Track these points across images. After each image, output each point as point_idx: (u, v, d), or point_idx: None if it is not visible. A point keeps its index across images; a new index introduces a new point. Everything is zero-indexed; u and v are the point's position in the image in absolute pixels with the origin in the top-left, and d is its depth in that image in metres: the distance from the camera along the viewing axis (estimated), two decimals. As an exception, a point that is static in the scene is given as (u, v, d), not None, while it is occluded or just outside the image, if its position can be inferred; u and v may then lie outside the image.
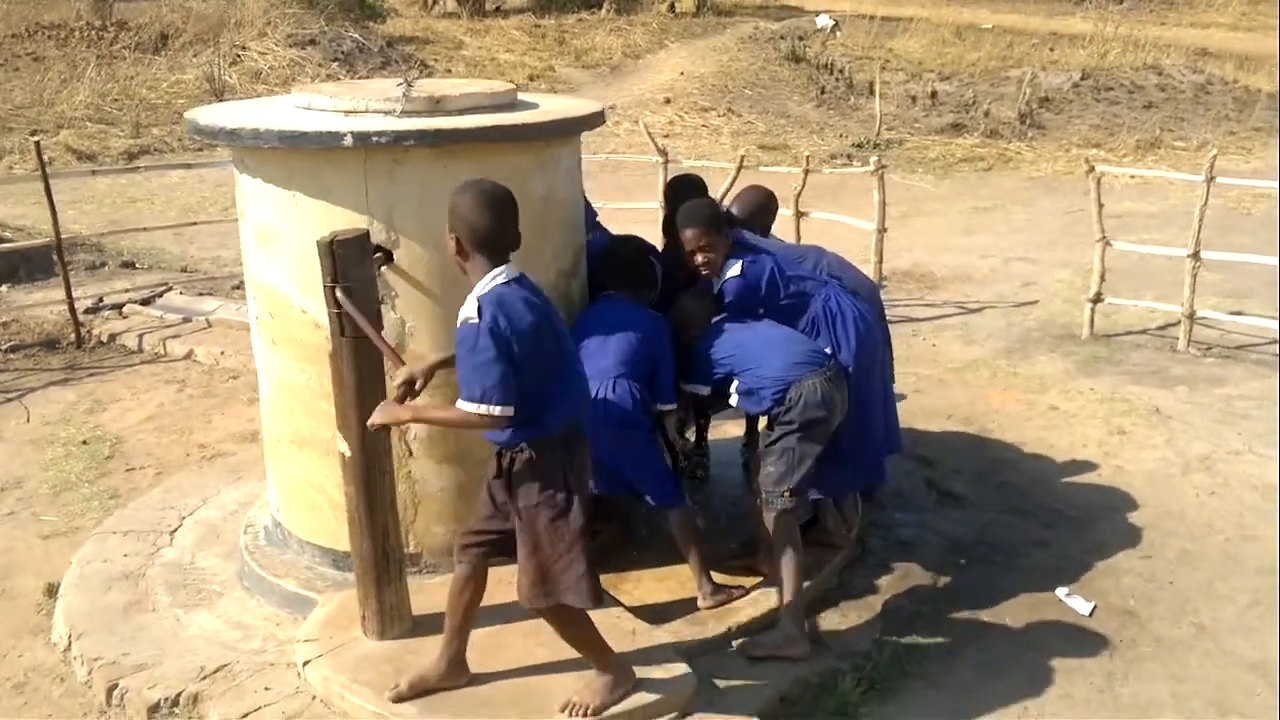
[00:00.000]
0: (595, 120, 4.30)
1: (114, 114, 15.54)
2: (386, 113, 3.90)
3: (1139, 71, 18.88)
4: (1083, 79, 18.34)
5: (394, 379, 3.31)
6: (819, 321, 4.17)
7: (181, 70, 17.59)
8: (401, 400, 3.29)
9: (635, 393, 3.96)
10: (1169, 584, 4.49)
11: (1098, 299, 7.67)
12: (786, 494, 3.90)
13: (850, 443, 4.16)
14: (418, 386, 3.28)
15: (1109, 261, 7.74)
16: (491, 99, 4.16)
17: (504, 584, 3.70)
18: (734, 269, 4.20)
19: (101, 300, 8.30)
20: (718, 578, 4.16)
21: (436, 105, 3.97)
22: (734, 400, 4.09)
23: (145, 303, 8.32)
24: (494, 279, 3.12)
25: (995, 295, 8.87)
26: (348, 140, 3.69)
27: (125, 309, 8.20)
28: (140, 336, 7.63)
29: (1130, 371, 7.00)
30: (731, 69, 19.54)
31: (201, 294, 8.59)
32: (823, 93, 18.50)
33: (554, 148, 4.15)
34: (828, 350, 4.10)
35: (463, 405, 3.08)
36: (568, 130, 4.18)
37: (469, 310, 3.10)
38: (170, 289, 8.64)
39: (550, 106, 4.34)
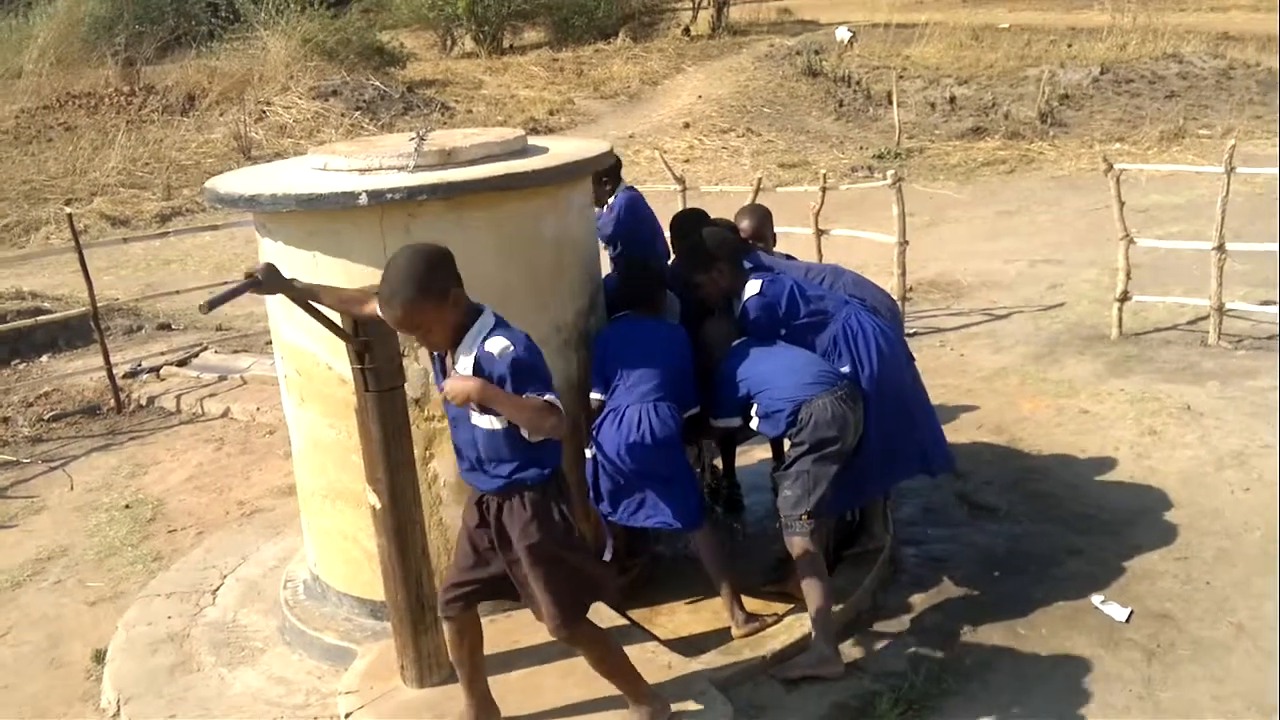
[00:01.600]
0: (604, 160, 4.39)
1: (145, 178, 15.87)
2: (400, 169, 4.01)
3: (1159, 61, 18.74)
4: (1102, 73, 18.24)
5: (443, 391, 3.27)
6: (839, 341, 4.20)
7: (209, 130, 17.94)
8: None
9: (674, 413, 4.05)
10: (1206, 584, 4.47)
11: (1125, 297, 7.64)
12: (804, 517, 3.94)
13: (875, 459, 4.19)
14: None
15: (1135, 258, 7.72)
16: (502, 147, 4.26)
17: (537, 627, 3.78)
18: (753, 287, 4.26)
19: (139, 364, 8.48)
20: (750, 605, 4.19)
21: (448, 158, 4.07)
22: (754, 424, 4.14)
23: (182, 364, 8.49)
24: (492, 321, 3.22)
25: (1022, 300, 8.84)
26: (363, 199, 3.79)
27: (162, 371, 8.38)
28: (178, 397, 7.79)
29: (1161, 369, 6.96)
30: (749, 88, 19.62)
31: (236, 351, 8.76)
32: (841, 106, 18.52)
33: (565, 190, 4.24)
34: (845, 369, 4.13)
35: (546, 395, 3.12)
36: (578, 173, 4.26)
37: (500, 345, 3.15)
38: (205, 348, 8.81)
39: (560, 149, 4.42)
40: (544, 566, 3.32)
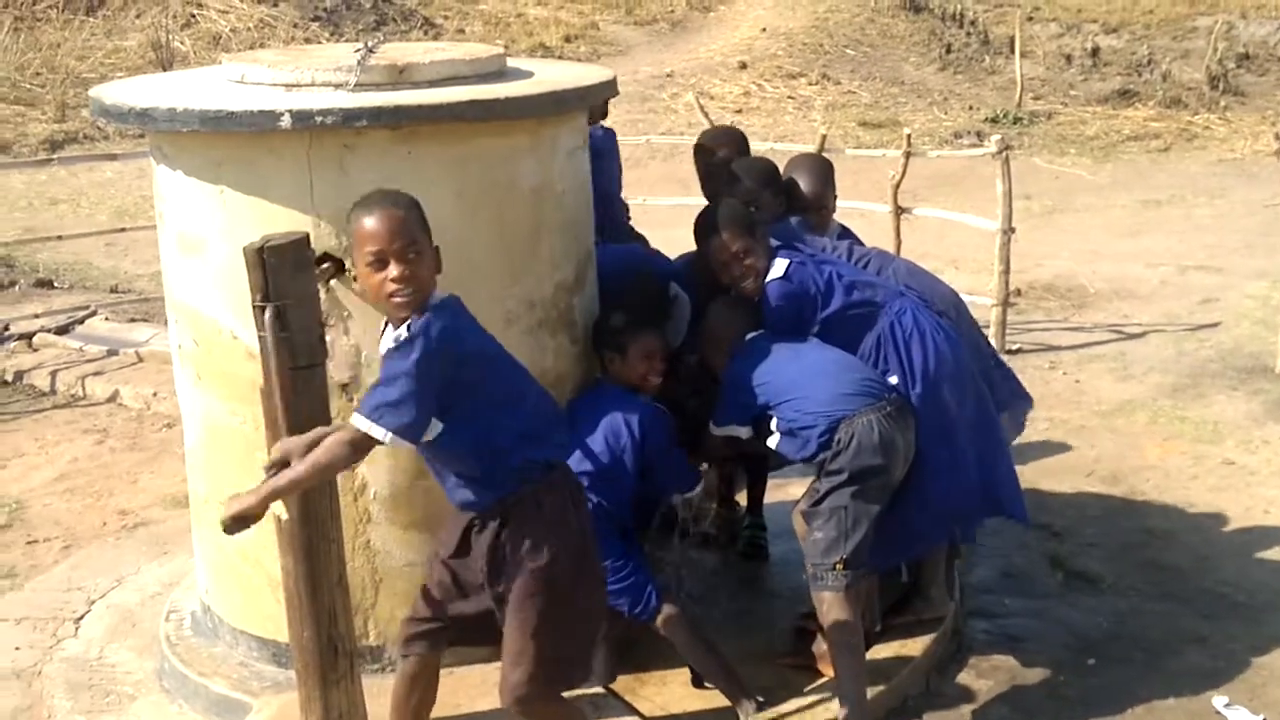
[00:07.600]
0: (603, 90, 4.45)
1: (34, 91, 16.05)
2: (337, 86, 4.05)
3: (1376, 17, 18.70)
4: (1298, 28, 18.24)
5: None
6: (885, 342, 4.25)
7: (121, 35, 18.14)
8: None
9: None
10: (1366, 694, 4.49)
11: (1297, 320, 7.66)
12: (838, 566, 3.98)
13: (931, 499, 4.23)
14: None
15: (1314, 269, 7.74)
16: (472, 67, 4.31)
17: (483, 689, 3.84)
18: (777, 268, 4.31)
19: (7, 329, 8.60)
20: (764, 681, 4.22)
21: (400, 76, 4.11)
22: (773, 442, 4.17)
23: (62, 331, 8.60)
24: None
25: (1164, 315, 8.88)
26: (285, 121, 3.84)
27: (36, 339, 8.49)
28: (53, 374, 7.90)
29: (1337, 416, 6.98)
30: (829, 23, 19.71)
31: (133, 320, 8.87)
32: (948, 51, 18.61)
33: (550, 127, 4.30)
34: (893, 380, 4.18)
35: (354, 419, 3.23)
36: (567, 104, 4.32)
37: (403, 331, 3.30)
38: (94, 314, 8.93)
39: (548, 75, 4.49)
40: (537, 605, 3.37)
